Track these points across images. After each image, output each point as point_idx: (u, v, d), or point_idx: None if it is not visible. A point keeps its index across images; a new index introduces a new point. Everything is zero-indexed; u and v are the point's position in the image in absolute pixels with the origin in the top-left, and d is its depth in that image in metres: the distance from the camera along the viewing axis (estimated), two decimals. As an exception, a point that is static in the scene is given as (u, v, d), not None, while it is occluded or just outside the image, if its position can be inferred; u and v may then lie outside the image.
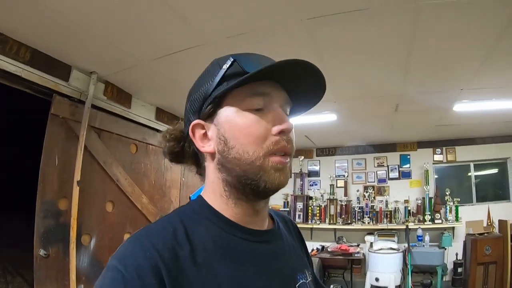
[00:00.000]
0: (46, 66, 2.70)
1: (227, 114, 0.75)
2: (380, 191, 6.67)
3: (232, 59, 0.74)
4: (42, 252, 2.68)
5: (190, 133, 0.80)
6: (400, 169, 6.69)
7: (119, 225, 3.47)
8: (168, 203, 4.29)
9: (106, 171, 3.32)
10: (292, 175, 7.10)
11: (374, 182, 6.78)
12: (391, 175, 6.72)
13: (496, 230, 5.59)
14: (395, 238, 6.05)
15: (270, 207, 0.92)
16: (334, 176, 6.94)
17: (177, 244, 0.67)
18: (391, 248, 5.47)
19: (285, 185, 0.76)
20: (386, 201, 6.45)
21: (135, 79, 3.34)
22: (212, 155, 0.78)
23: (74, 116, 2.94)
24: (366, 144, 6.93)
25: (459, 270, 5.44)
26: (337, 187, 6.89)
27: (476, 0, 2.25)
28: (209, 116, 0.77)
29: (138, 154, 3.85)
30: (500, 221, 5.54)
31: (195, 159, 0.86)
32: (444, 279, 5.44)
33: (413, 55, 3.02)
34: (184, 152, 0.87)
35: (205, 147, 0.78)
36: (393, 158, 6.78)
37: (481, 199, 6.23)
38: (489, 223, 5.62)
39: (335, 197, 6.72)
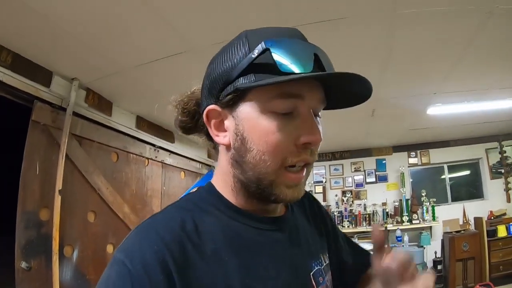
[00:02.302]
0: (27, 71, 2.62)
1: (249, 111, 0.67)
2: (358, 195, 6.82)
3: (264, 47, 0.63)
4: (24, 264, 2.58)
5: (204, 117, 0.74)
6: (377, 173, 6.90)
7: (102, 235, 3.38)
8: (150, 212, 4.20)
9: (88, 180, 3.23)
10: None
11: (352, 186, 6.94)
12: (368, 179, 6.90)
13: (472, 227, 5.82)
14: (375, 240, 6.14)
15: None
16: (312, 182, 7.06)
17: (185, 235, 0.64)
18: (372, 250, 5.54)
19: (298, 199, 0.72)
20: (364, 204, 6.61)
21: (116, 87, 3.29)
22: (228, 147, 0.73)
23: (55, 123, 2.86)
24: (342, 150, 7.07)
25: (439, 267, 5.61)
26: (315, 193, 7.01)
27: (447, 10, 2.39)
28: (228, 106, 0.70)
29: (119, 162, 3.78)
30: (475, 218, 5.79)
31: (209, 136, 0.79)
32: (425, 277, 5.54)
33: (389, 61, 3.15)
34: (197, 127, 0.84)
35: (220, 137, 0.73)
36: (370, 162, 6.99)
37: (456, 198, 6.51)
38: (465, 221, 5.84)
39: (314, 203, 6.77)
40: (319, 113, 0.73)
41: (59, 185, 2.82)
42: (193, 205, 0.73)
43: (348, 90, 0.70)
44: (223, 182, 0.76)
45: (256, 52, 0.63)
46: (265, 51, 0.63)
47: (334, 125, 5.16)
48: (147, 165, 4.31)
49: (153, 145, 4.40)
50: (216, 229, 0.69)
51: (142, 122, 4.17)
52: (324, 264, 0.85)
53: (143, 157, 4.21)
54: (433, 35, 2.75)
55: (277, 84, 0.62)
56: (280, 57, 0.62)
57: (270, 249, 0.73)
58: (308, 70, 0.63)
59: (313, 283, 0.77)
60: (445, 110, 4.61)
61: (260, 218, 0.75)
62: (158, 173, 4.57)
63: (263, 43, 0.63)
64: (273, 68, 0.62)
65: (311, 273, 0.79)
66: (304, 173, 0.70)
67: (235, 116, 0.69)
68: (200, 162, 5.77)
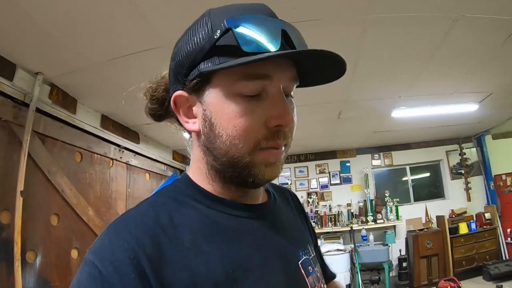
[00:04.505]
0: (-11, 63, 2.43)
1: (215, 95, 0.64)
2: (323, 197, 6.91)
3: (226, 26, 0.59)
4: (-17, 271, 2.40)
5: (172, 104, 0.71)
6: (341, 174, 7.04)
7: (65, 240, 3.19)
8: (115, 215, 3.97)
9: (51, 181, 3.04)
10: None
11: (317, 188, 7.03)
12: (333, 181, 7.02)
13: (434, 225, 6.08)
14: (341, 240, 6.31)
15: None
16: (277, 184, 7.02)
17: (159, 229, 0.61)
18: (338, 250, 5.66)
19: (276, 178, 0.69)
20: (330, 205, 6.72)
21: (82, 83, 3.12)
22: (198, 133, 0.70)
23: (17, 119, 2.67)
24: (307, 152, 7.16)
25: (404, 264, 5.77)
26: (281, 194, 6.99)
27: (416, 16, 2.49)
28: (195, 91, 0.67)
29: (83, 163, 3.60)
30: (437, 217, 6.06)
31: (180, 123, 0.76)
32: (391, 274, 5.72)
33: (359, 65, 3.22)
34: (168, 114, 0.80)
35: (190, 123, 0.70)
36: (334, 164, 7.12)
37: (418, 198, 6.79)
38: (428, 220, 6.07)
39: (280, 204, 6.79)
40: (292, 92, 0.69)
41: (20, 186, 2.63)
42: (168, 198, 0.69)
43: (321, 66, 0.66)
44: (198, 170, 0.73)
45: (218, 33, 0.60)
46: (227, 31, 0.59)
47: (300, 128, 5.17)
48: (112, 166, 4.14)
49: (118, 145, 4.24)
50: (194, 220, 0.65)
51: (107, 121, 4.00)
52: (312, 255, 0.82)
53: (108, 157, 4.05)
54: (402, 40, 2.85)
55: (242, 66, 0.58)
56: (243, 37, 0.58)
57: (253, 237, 0.69)
58: (275, 48, 0.59)
59: (302, 272, 0.74)
60: (409, 113, 4.79)
61: (240, 206, 0.71)
62: (123, 174, 4.41)
63: (225, 21, 0.59)
64: (237, 49, 0.58)
65: (299, 262, 0.75)
66: (279, 152, 0.67)
67: (202, 102, 0.66)
68: (165, 164, 5.66)
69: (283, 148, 0.67)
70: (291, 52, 0.60)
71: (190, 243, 0.61)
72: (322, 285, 0.80)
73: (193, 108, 0.68)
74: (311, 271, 0.77)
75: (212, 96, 0.64)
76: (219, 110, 0.63)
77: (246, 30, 0.58)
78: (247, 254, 0.65)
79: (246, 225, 0.69)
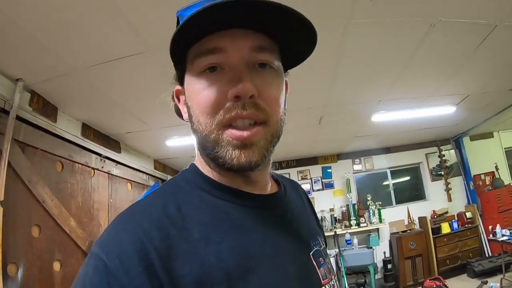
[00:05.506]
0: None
1: (187, 80, 0.67)
2: (306, 203, 6.91)
3: (176, 15, 0.64)
4: (-37, 286, 2.29)
5: (175, 99, 0.76)
6: (323, 180, 7.09)
7: (47, 252, 3.08)
8: (97, 226, 3.95)
9: (31, 190, 2.94)
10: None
11: (300, 194, 7.01)
12: (315, 187, 7.07)
13: (417, 226, 6.20)
14: (325, 245, 6.30)
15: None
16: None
17: (167, 220, 0.60)
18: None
19: (252, 165, 0.63)
20: (313, 211, 6.71)
21: (63, 90, 3.03)
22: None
23: (-4, 127, 2.59)
24: (289, 159, 7.20)
25: (389, 266, 5.84)
26: (265, 201, 6.98)
27: (396, 21, 2.55)
28: (181, 82, 0.71)
29: (64, 172, 3.50)
30: (420, 218, 6.18)
31: None
32: (376, 277, 5.75)
33: (340, 69, 3.24)
34: None
35: (185, 114, 0.72)
36: (316, 170, 7.19)
37: (400, 201, 6.92)
38: (410, 221, 6.17)
39: (263, 212, 6.78)
40: (272, 63, 0.66)
41: (0, 196, 2.54)
42: (177, 188, 0.69)
43: (289, 29, 0.63)
44: (199, 159, 0.74)
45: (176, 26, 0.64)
46: (177, 19, 0.65)
47: (283, 134, 5.19)
48: (93, 175, 4.05)
49: (99, 154, 4.15)
50: (203, 211, 0.65)
51: (88, 130, 3.92)
52: (323, 247, 0.81)
53: (89, 167, 3.95)
54: (381, 45, 2.91)
55: (198, 42, 0.62)
56: (183, 17, 0.61)
57: (263, 227, 0.68)
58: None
59: (314, 263, 0.72)
60: (388, 117, 4.87)
61: (249, 196, 0.70)
62: (105, 184, 4.32)
63: (176, 13, 0.64)
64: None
65: (311, 253, 0.74)
66: (254, 131, 0.62)
67: (184, 89, 0.71)
68: (147, 174, 5.58)
69: (255, 129, 0.63)
70: (213, 4, 0.54)
71: (200, 234, 0.60)
72: (333, 277, 0.78)
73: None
74: (322, 262, 0.75)
75: (186, 81, 0.68)
76: (189, 91, 0.67)
77: (188, 12, 0.59)
78: (258, 244, 0.64)
79: (256, 216, 0.68)
